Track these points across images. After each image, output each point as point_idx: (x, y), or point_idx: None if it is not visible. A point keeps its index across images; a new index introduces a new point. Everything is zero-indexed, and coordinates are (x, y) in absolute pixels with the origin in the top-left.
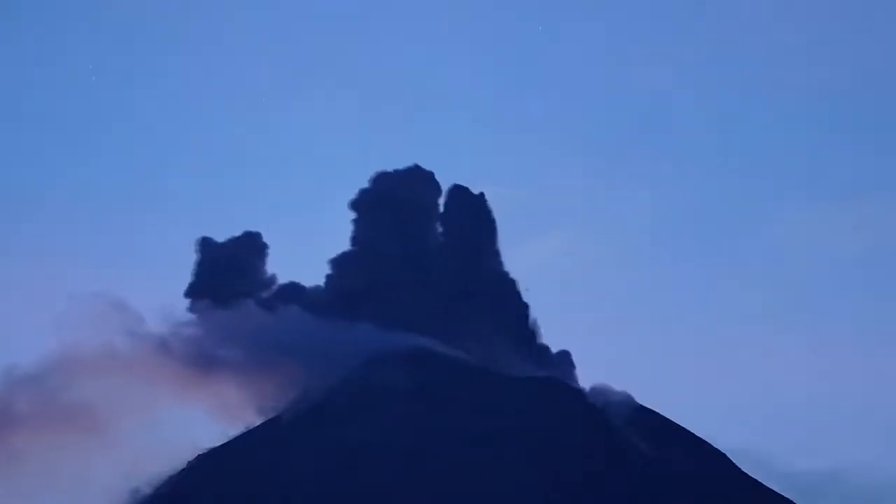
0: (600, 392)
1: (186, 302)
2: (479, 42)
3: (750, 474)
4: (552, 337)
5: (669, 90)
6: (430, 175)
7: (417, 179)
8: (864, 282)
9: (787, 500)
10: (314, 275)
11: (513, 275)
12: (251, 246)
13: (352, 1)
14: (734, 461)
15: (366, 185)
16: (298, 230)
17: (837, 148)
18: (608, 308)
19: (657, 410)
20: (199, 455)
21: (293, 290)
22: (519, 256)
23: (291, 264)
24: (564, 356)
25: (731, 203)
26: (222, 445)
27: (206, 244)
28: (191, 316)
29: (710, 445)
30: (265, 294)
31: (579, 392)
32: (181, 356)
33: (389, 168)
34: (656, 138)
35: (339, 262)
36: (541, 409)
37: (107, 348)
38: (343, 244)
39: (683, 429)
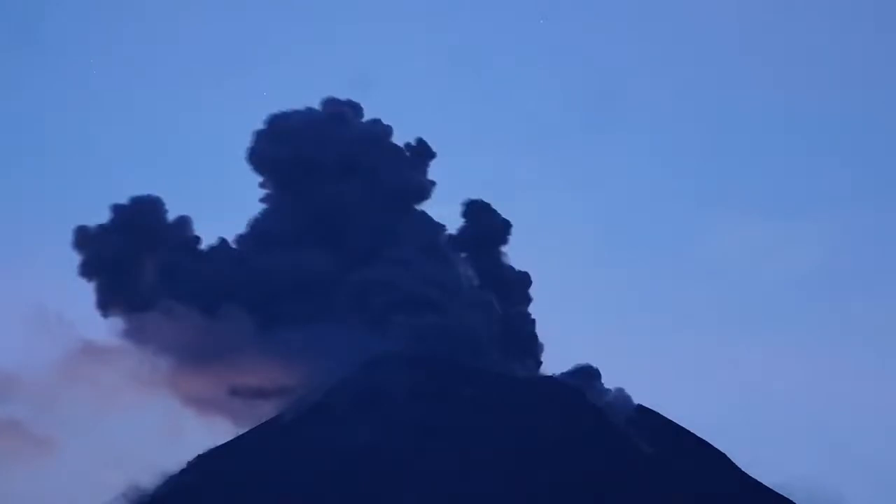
0: (600, 392)
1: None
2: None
3: (750, 474)
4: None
5: (633, 95)
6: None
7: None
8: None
9: (787, 500)
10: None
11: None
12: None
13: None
14: (734, 461)
15: None
16: None
17: (798, 161)
18: (608, 307)
19: (657, 410)
20: (198, 455)
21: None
22: None
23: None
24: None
25: (720, 202)
26: (221, 446)
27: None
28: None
29: (710, 445)
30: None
31: (579, 392)
32: (125, 363)
33: None
34: (611, 138)
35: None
36: (541, 409)
37: (42, 360)
38: None
39: (683, 429)
